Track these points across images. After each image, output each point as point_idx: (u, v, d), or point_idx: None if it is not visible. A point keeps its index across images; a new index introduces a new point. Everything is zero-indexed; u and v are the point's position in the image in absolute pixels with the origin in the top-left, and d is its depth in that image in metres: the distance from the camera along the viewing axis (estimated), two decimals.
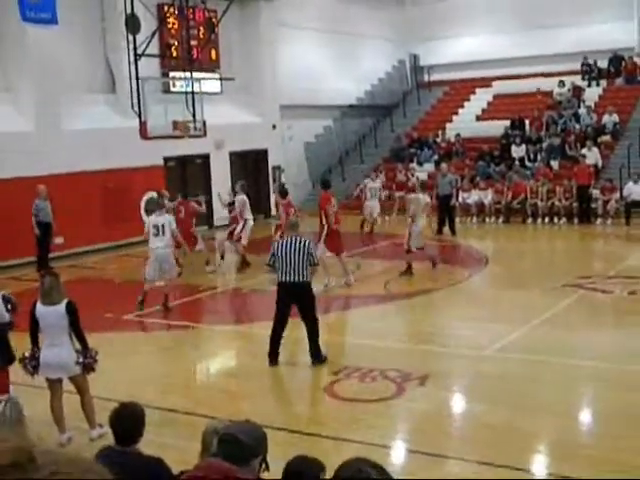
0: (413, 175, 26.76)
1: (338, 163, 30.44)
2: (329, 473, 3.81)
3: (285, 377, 10.37)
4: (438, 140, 29.52)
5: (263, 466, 3.47)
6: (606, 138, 26.62)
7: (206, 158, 25.26)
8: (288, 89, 27.20)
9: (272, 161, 27.66)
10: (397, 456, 7.79)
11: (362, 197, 23.79)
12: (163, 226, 13.86)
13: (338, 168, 30.18)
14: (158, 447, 6.06)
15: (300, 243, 10.24)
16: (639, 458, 7.19)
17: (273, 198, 27.20)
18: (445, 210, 21.98)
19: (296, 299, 10.34)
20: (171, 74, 23.43)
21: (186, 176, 24.44)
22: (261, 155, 27.41)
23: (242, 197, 17.81)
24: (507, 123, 28.60)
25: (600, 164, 25.06)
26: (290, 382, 10.26)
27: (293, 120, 28.30)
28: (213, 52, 25.63)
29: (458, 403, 9.37)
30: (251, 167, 27.44)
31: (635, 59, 30.43)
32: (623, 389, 9.11)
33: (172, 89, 23.13)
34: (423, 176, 27.66)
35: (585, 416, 8.77)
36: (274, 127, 27.54)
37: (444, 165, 24.20)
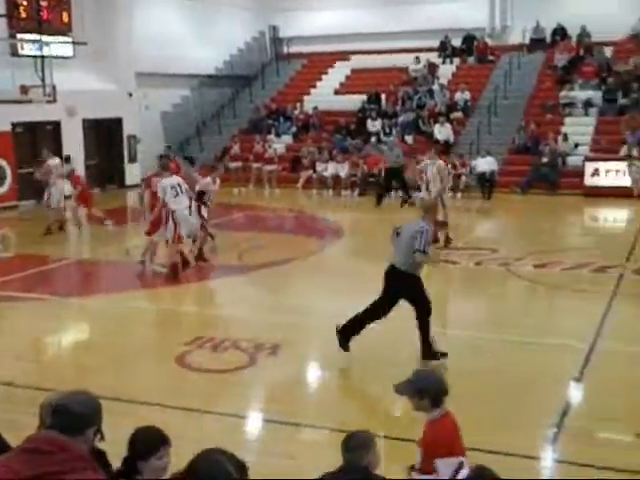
0: (270, 147, 26.80)
1: (196, 134, 30.07)
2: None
3: (135, 348, 10.18)
4: (296, 112, 29.60)
5: (98, 436, 3.40)
6: (458, 115, 27.41)
7: (57, 125, 24.41)
8: (145, 56, 26.55)
9: (127, 130, 27.00)
10: (251, 426, 7.80)
11: None
12: (179, 185, 13.45)
13: (196, 139, 29.83)
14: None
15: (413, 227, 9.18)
16: (485, 420, 7.45)
17: (128, 167, 26.80)
18: (391, 182, 22.50)
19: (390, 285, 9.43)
20: (19, 36, 22.47)
21: (36, 143, 23.50)
22: (116, 123, 26.70)
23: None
24: (364, 97, 28.98)
25: (452, 140, 25.81)
26: (140, 353, 10.09)
27: (150, 88, 27.69)
28: (65, 14, 24.67)
29: (310, 371, 9.46)
30: (105, 136, 26.72)
31: (486, 39, 31.41)
32: (474, 356, 9.46)
33: (20, 52, 22.19)
34: (281, 148, 27.76)
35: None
36: (130, 95, 26.87)
37: (393, 138, 24.50)
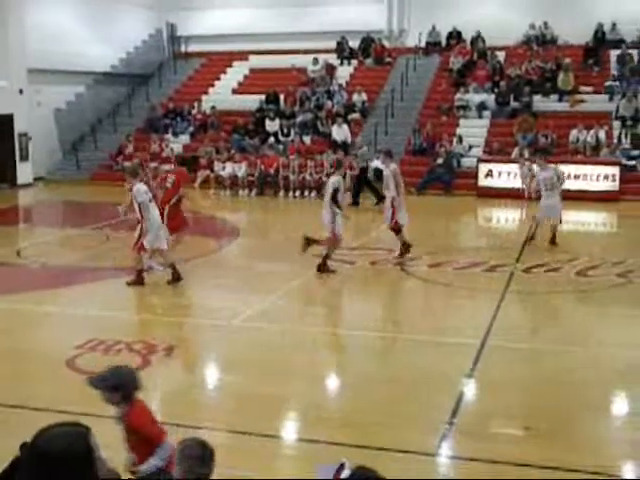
0: (167, 146, 26.45)
1: (90, 132, 29.41)
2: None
3: (24, 352, 9.87)
4: (194, 112, 29.32)
5: None
6: (355, 116, 27.64)
7: None
8: (37, 52, 25.82)
9: (18, 127, 26.22)
10: None
11: None
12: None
13: (91, 137, 29.19)
14: None
15: None
16: (378, 418, 7.51)
17: (20, 166, 26.01)
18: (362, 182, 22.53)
19: None
20: None
21: None
22: (6, 120, 25.88)
23: None
24: (262, 97, 28.93)
25: (349, 140, 26.00)
26: (29, 357, 9.78)
27: (43, 85, 26.95)
28: None
29: (205, 373, 9.36)
30: None
31: (384, 41, 31.79)
32: (369, 355, 9.54)
33: None
34: (178, 147, 27.45)
35: (332, 381, 9.05)
36: (21, 92, 26.10)
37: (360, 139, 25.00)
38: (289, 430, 7.63)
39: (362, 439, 6.96)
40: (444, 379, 8.62)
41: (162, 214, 13.14)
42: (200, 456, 4.09)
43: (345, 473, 3.16)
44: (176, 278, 12.72)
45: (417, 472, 6.35)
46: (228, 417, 7.75)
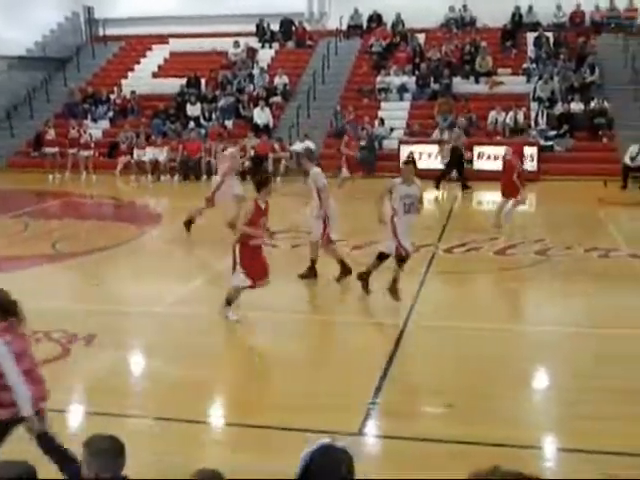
0: (86, 132, 25.94)
1: (6, 118, 28.64)
2: None
3: None
4: (113, 96, 28.81)
5: None
6: (277, 99, 27.54)
7: None
8: None
9: None
10: (72, 419, 7.48)
11: None
12: None
13: (6, 123, 28.42)
14: None
15: None
16: (302, 400, 7.51)
17: None
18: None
19: None
20: None
21: None
22: None
23: None
24: (183, 81, 28.59)
25: (271, 124, 25.92)
26: None
27: None
28: None
29: (127, 360, 9.22)
30: None
31: (305, 24, 31.71)
32: (292, 337, 9.55)
33: None
34: (97, 133, 26.97)
35: (257, 365, 8.99)
36: None
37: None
38: (215, 415, 7.59)
39: (286, 421, 6.97)
40: (367, 359, 8.67)
41: None
42: (111, 450, 3.97)
43: (305, 452, 3.13)
44: None
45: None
46: (152, 404, 7.67)
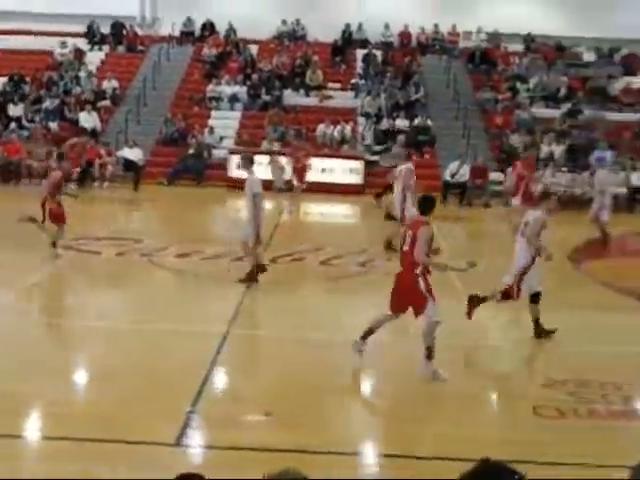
0: None
1: None
2: None
3: None
4: None
5: None
6: (106, 103, 26.91)
7: None
8: None
9: None
10: None
11: None
12: None
13: None
14: None
15: None
16: (120, 410, 7.33)
17: None
18: None
19: None
20: None
21: None
22: None
23: None
24: (5, 80, 27.41)
25: (99, 128, 25.31)
26: None
27: None
28: None
29: None
30: None
31: (136, 28, 31.21)
32: (112, 347, 9.31)
33: None
34: None
35: (76, 376, 8.66)
36: None
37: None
38: (33, 428, 7.27)
39: (104, 432, 6.77)
40: (188, 368, 8.55)
41: None
42: None
43: None
44: None
45: (154, 464, 6.26)
46: None
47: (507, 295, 10.05)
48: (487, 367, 9.21)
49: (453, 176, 22.94)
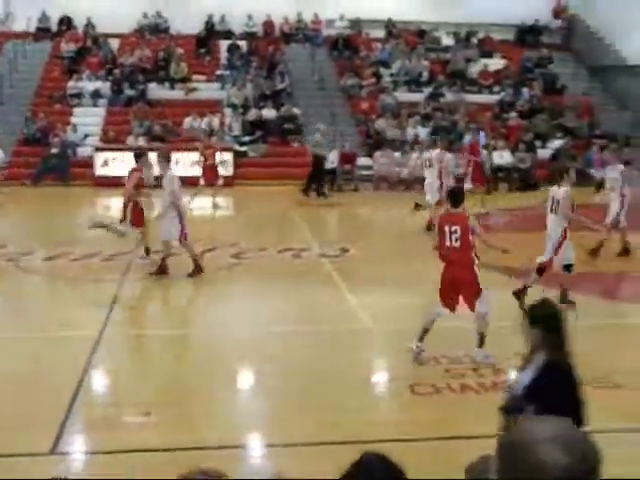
0: None
1: None
2: None
3: None
4: None
5: None
6: None
7: None
8: None
9: None
10: None
11: None
12: None
13: None
14: None
15: None
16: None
17: None
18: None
19: None
20: None
21: None
22: None
23: None
24: None
25: None
26: None
27: None
28: None
29: None
30: None
31: None
32: None
33: None
34: None
35: None
36: None
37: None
38: None
39: None
40: (62, 374, 8.34)
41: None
42: None
43: None
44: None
45: (29, 475, 6.06)
46: None
47: (542, 271, 10.65)
48: (364, 352, 9.34)
49: None
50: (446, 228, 8.44)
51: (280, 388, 8.04)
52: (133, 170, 13.54)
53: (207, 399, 7.82)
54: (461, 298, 8.57)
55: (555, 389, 4.36)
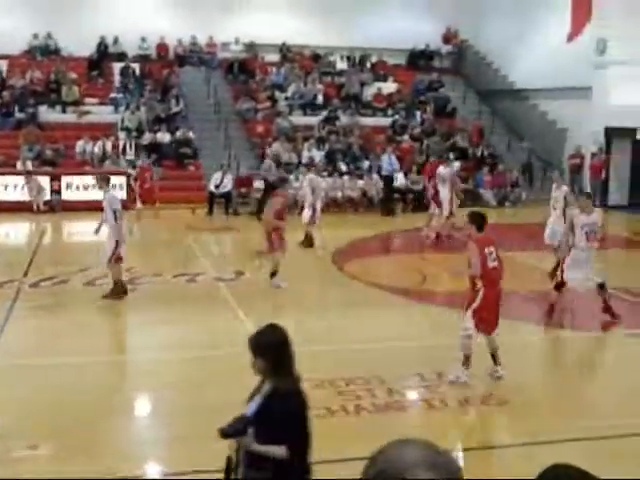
0: None
1: None
2: None
3: None
4: None
5: None
6: None
7: None
8: None
9: None
10: None
11: None
12: None
13: None
14: None
15: None
16: None
17: None
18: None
19: None
20: None
21: None
22: None
23: None
24: None
25: None
26: None
27: None
28: None
29: None
30: None
31: None
32: None
33: None
34: None
35: None
36: None
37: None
38: None
39: None
40: None
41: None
42: None
43: None
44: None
45: None
46: None
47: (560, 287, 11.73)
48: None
49: (217, 187, 23.05)
50: (486, 250, 8.76)
51: (175, 415, 7.94)
52: (274, 195, 14.28)
53: (100, 428, 7.66)
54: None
55: (280, 416, 4.40)
